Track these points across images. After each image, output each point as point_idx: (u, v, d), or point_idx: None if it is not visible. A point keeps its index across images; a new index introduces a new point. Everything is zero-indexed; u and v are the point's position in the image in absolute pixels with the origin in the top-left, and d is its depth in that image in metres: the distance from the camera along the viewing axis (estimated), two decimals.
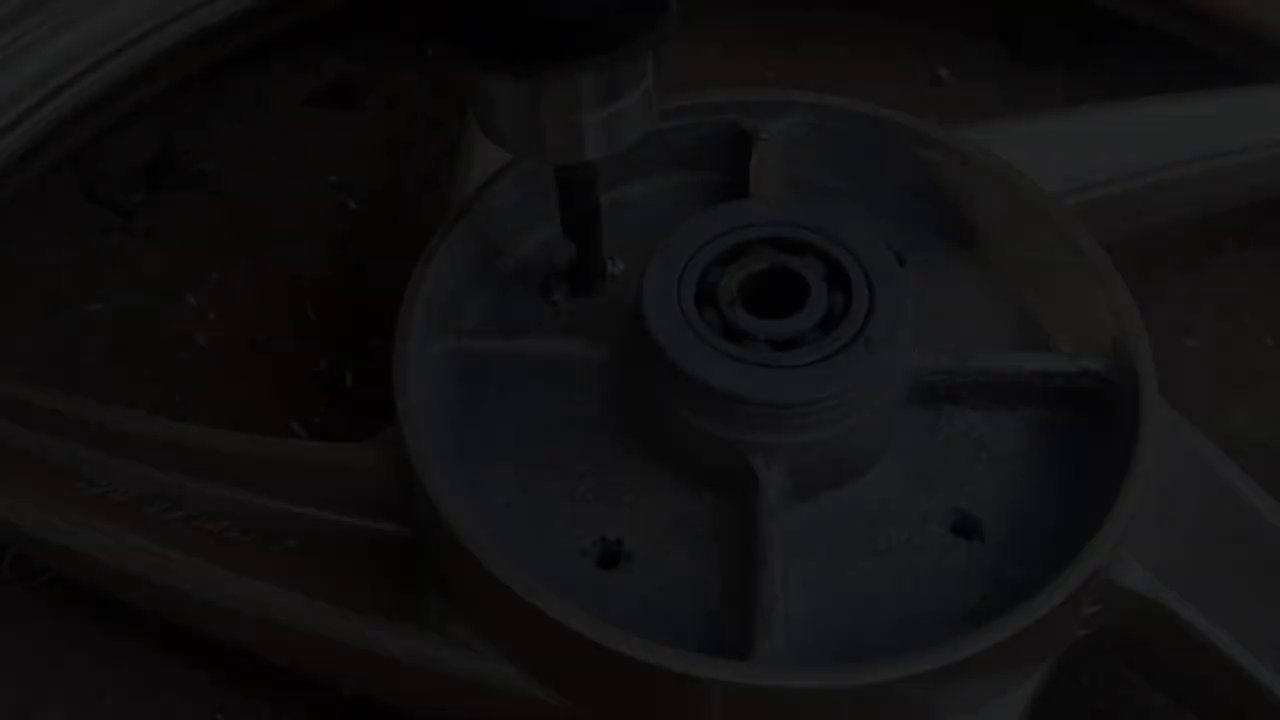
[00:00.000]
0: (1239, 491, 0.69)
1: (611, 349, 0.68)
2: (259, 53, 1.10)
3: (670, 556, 0.65)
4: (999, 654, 0.59)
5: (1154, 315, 0.96)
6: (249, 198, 1.02)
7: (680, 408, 0.64)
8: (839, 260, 0.67)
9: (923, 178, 0.78)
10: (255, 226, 1.00)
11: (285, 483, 0.70)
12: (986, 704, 0.63)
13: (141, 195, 1.03)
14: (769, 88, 0.82)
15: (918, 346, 0.69)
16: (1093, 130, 0.90)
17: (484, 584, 0.60)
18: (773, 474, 0.63)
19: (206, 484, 0.72)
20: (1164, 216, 0.95)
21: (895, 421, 0.68)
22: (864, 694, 0.59)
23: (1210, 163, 0.89)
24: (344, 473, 0.70)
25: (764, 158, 0.77)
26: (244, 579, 0.67)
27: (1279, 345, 0.96)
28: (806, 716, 0.61)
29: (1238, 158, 0.90)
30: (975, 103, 1.10)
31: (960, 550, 0.65)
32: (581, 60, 0.57)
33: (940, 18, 1.16)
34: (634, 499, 0.67)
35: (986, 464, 0.69)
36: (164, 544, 0.68)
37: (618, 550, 0.65)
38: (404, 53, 1.13)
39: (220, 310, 0.95)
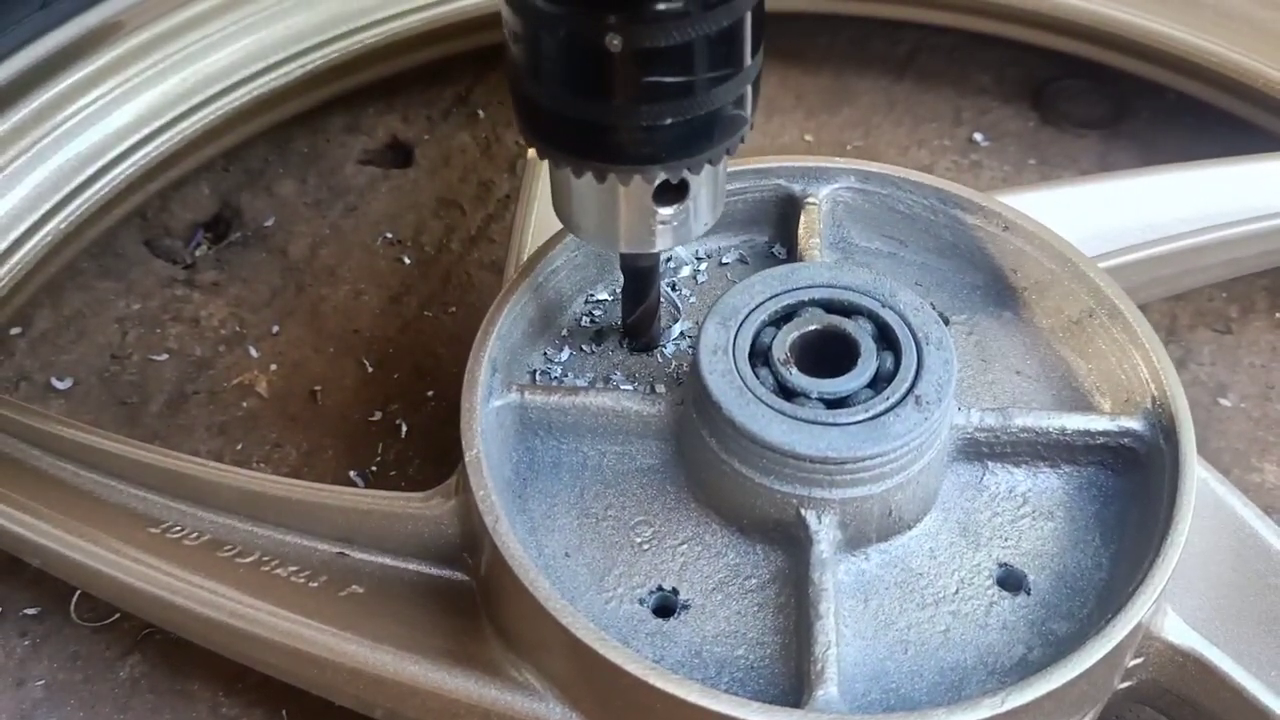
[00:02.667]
0: (1270, 545, 0.72)
1: (668, 404, 0.71)
2: (317, 113, 1.14)
3: (724, 606, 0.67)
4: (1045, 706, 0.61)
5: (1188, 374, 0.99)
6: (307, 253, 1.06)
7: (736, 462, 0.67)
8: (888, 322, 0.69)
9: (965, 241, 0.81)
10: (313, 281, 1.04)
11: (353, 531, 0.73)
12: None
13: (204, 250, 1.06)
14: (812, 155, 0.85)
15: (963, 405, 0.71)
16: (1125, 195, 0.93)
17: (547, 629, 0.62)
18: (824, 527, 0.66)
19: (277, 531, 0.74)
20: (1195, 279, 0.97)
21: (942, 477, 0.71)
22: None
23: (1240, 228, 0.91)
24: (409, 521, 0.72)
25: (811, 221, 0.80)
26: (312, 623, 0.70)
27: None
28: None
29: (1267, 222, 0.92)
30: (1009, 166, 1.13)
31: (1005, 604, 0.68)
32: (664, 164, 0.61)
33: (974, 83, 1.20)
34: (689, 549, 0.69)
35: (1030, 519, 0.71)
36: (235, 588, 0.71)
37: (674, 599, 0.67)
38: (455, 115, 1.17)
39: (281, 361, 0.98)
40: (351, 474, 0.92)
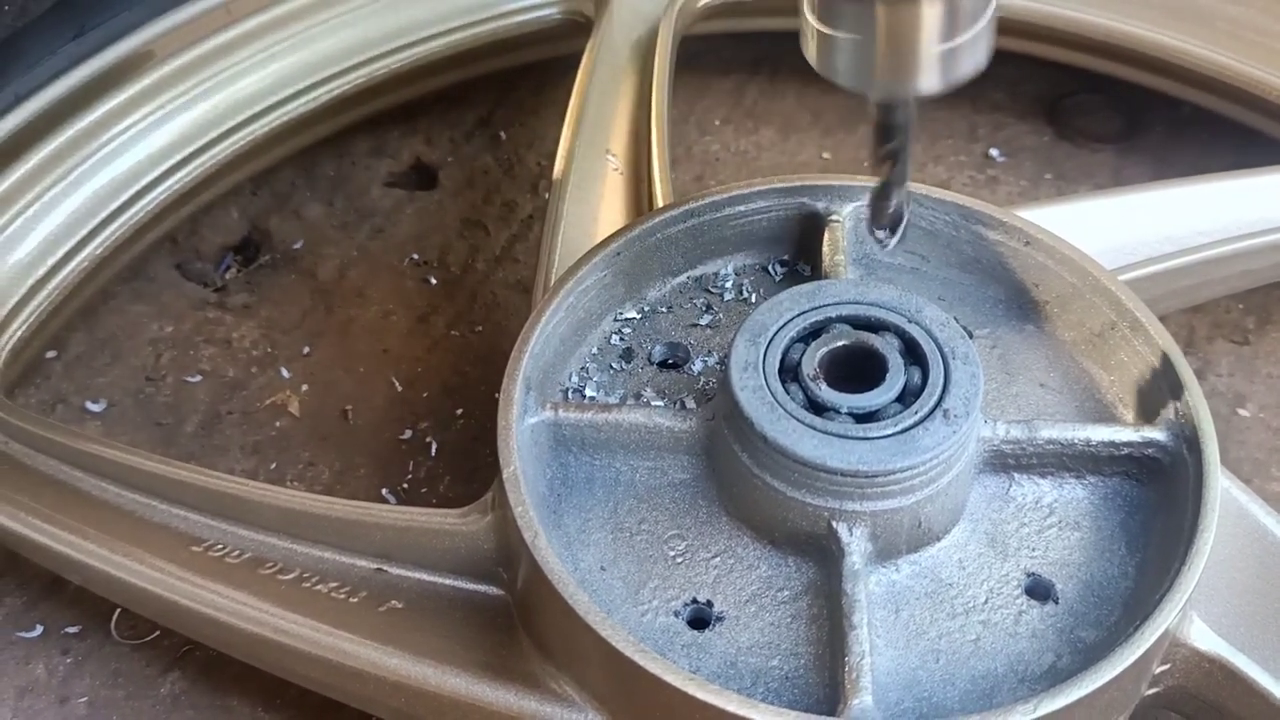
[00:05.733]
0: None
1: (699, 420, 0.72)
2: (342, 137, 1.16)
3: (758, 618, 0.68)
4: (1075, 712, 0.62)
5: (1206, 385, 1.00)
6: (336, 274, 1.07)
7: (768, 476, 0.68)
8: (914, 337, 0.71)
9: (987, 256, 0.82)
10: (342, 302, 1.05)
11: (391, 547, 0.74)
12: None
13: (234, 272, 1.08)
14: (835, 174, 0.87)
15: (989, 418, 0.73)
16: (1140, 209, 0.94)
17: (586, 642, 0.64)
18: (855, 539, 0.67)
19: (316, 548, 0.76)
20: (1213, 290, 0.98)
21: (970, 489, 0.72)
22: None
23: (1255, 239, 0.92)
24: (446, 538, 0.74)
25: (835, 239, 0.82)
26: (353, 637, 0.71)
27: None
28: None
29: (1263, 238, 0.93)
30: (1025, 181, 1.15)
31: (1034, 612, 0.69)
32: None
33: (989, 99, 1.21)
34: (722, 562, 0.71)
35: (1057, 530, 0.72)
36: (277, 604, 0.72)
37: (709, 612, 0.69)
38: (477, 137, 1.19)
39: (312, 381, 1.00)
40: (384, 492, 0.93)
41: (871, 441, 0.67)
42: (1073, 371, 0.79)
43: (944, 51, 0.59)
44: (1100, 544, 0.72)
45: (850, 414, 0.68)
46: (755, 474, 0.69)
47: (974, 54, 0.61)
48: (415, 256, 1.09)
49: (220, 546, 0.76)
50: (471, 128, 1.21)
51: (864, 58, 0.60)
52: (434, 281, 1.08)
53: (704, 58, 1.23)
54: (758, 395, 0.68)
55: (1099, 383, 0.78)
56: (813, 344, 0.71)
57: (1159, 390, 0.74)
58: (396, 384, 1.00)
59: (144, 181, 1.02)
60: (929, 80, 0.60)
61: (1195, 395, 0.72)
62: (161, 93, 1.04)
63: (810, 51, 0.62)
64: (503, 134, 1.20)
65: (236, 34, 1.06)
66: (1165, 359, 0.74)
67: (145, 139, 1.02)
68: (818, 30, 0.61)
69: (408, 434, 0.97)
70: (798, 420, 0.68)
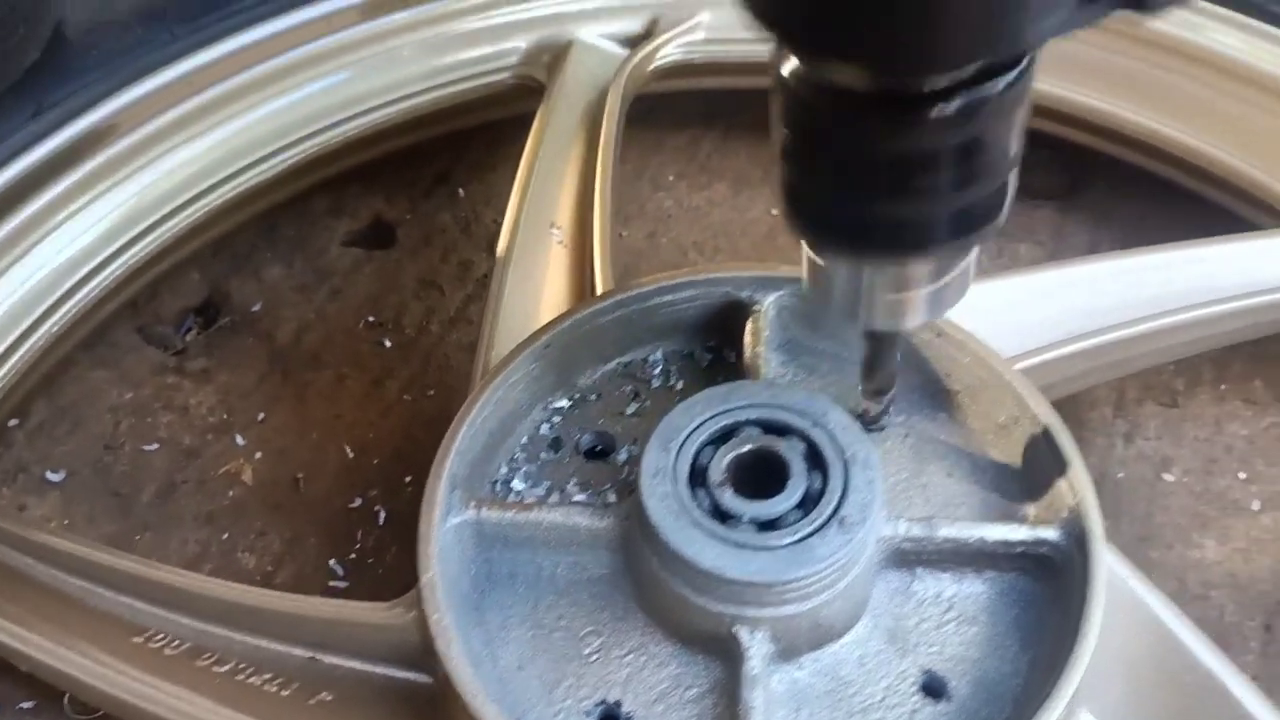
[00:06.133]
0: (1185, 644, 0.76)
1: (616, 518, 0.76)
2: (302, 197, 1.19)
3: (665, 717, 0.72)
4: None
5: (1134, 449, 1.03)
6: (293, 338, 1.11)
7: (674, 580, 0.71)
8: (818, 442, 0.74)
9: (904, 345, 0.85)
10: (299, 366, 1.09)
11: (325, 638, 0.78)
12: None
13: (194, 334, 1.12)
14: (762, 263, 0.90)
15: (896, 514, 0.76)
16: (1067, 285, 0.96)
17: None
18: (756, 642, 0.71)
19: (253, 637, 0.80)
20: (1147, 361, 1.01)
21: (872, 585, 0.75)
22: None
23: (1185, 314, 0.95)
24: (375, 630, 0.77)
25: (758, 329, 0.85)
26: None
27: (1252, 479, 1.02)
28: None
29: (1213, 308, 0.96)
30: None
31: (927, 710, 0.72)
32: (923, 252, 0.62)
33: None
34: (634, 659, 0.74)
35: (955, 625, 0.76)
36: (210, 697, 0.76)
37: (618, 712, 0.72)
38: (436, 194, 1.22)
39: (266, 449, 1.04)
40: (331, 563, 0.97)
41: (770, 551, 0.70)
42: (981, 462, 0.82)
43: (931, 293, 0.65)
44: (995, 639, 0.75)
45: (752, 521, 0.72)
46: (663, 577, 0.72)
47: (960, 288, 0.66)
48: (371, 318, 1.13)
49: (161, 637, 0.79)
50: (430, 184, 1.23)
51: (854, 302, 0.65)
52: (389, 344, 1.11)
53: (659, 113, 1.26)
54: (665, 503, 0.72)
55: (1005, 475, 0.82)
56: (722, 448, 0.74)
57: (1055, 487, 0.77)
58: (348, 450, 1.04)
59: (105, 254, 1.05)
60: (916, 320, 0.66)
61: (1086, 494, 0.75)
62: (122, 166, 1.06)
63: (804, 279, 0.67)
64: (461, 190, 1.23)
65: (195, 105, 1.09)
66: (1060, 457, 0.77)
67: (106, 213, 1.05)
68: (810, 260, 0.66)
69: (357, 502, 1.00)
70: (701, 529, 0.71)
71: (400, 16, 1.12)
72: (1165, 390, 1.07)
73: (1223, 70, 1.06)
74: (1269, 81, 1.04)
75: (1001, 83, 0.55)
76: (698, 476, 0.74)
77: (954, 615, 0.76)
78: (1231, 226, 1.08)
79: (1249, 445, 1.04)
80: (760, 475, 0.74)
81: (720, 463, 0.74)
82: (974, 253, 0.66)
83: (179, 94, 1.08)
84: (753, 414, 0.76)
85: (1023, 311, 0.94)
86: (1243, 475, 1.02)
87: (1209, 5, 1.06)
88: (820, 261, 0.66)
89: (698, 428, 0.75)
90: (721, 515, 0.72)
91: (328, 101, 1.13)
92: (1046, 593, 0.76)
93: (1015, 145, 0.59)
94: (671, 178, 1.25)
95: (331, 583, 0.96)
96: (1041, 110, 1.14)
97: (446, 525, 0.75)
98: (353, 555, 0.97)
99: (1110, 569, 0.77)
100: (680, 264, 1.17)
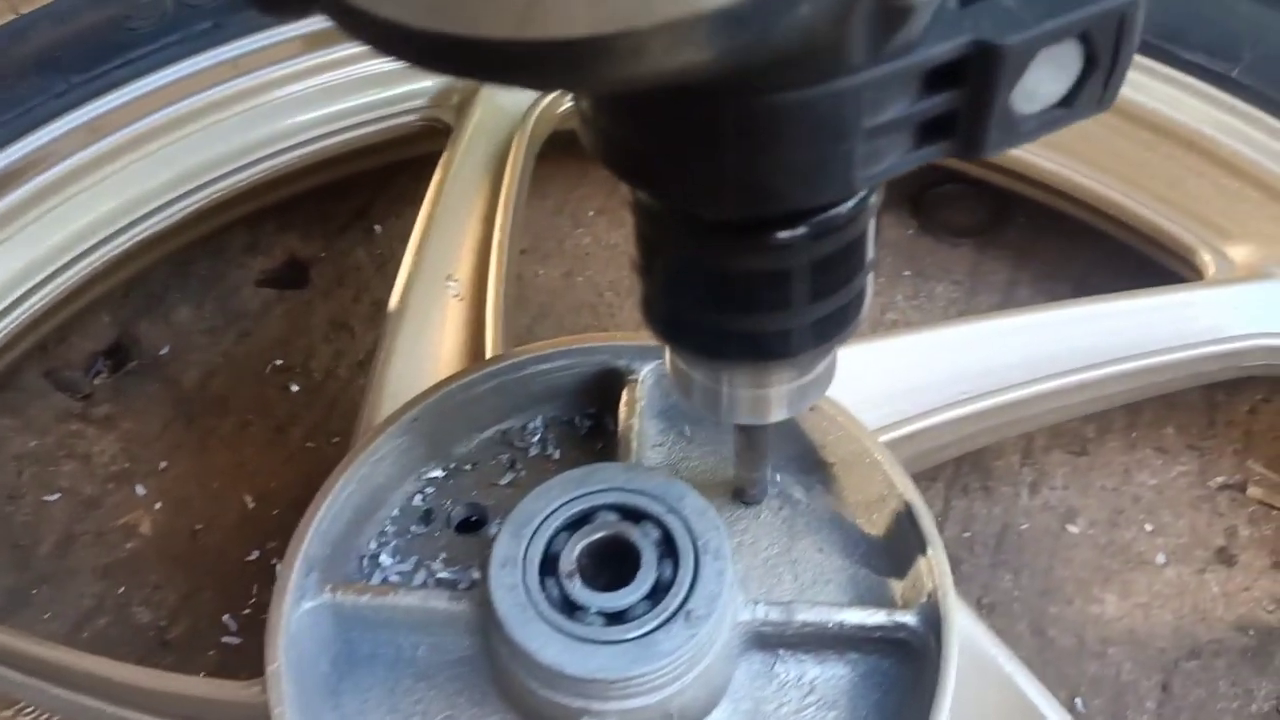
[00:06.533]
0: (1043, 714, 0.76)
1: (471, 602, 0.75)
2: (218, 233, 1.19)
3: None
4: None
5: (1040, 499, 1.02)
6: (200, 384, 1.11)
7: (521, 673, 0.71)
8: (670, 529, 0.73)
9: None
10: (203, 412, 1.09)
11: (197, 711, 0.78)
12: None
13: (104, 378, 1.11)
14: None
15: (756, 596, 0.75)
16: (974, 341, 0.95)
17: None
18: None
19: (124, 709, 0.80)
20: (1033, 425, 1.00)
21: (730, 671, 0.75)
22: None
23: (1082, 374, 0.94)
24: (240, 708, 0.77)
25: (633, 399, 0.84)
26: None
27: (1158, 531, 1.01)
28: None
29: (1115, 367, 0.94)
30: (883, 279, 1.16)
31: None
32: (781, 360, 0.61)
33: None
34: None
35: (815, 709, 0.75)
36: None
37: None
38: (352, 231, 1.22)
39: (166, 499, 1.04)
40: (226, 618, 0.97)
41: (615, 645, 0.70)
42: (853, 537, 0.82)
43: (794, 389, 0.64)
44: None
45: (600, 613, 0.71)
46: (512, 669, 0.72)
47: (825, 380, 0.66)
48: (279, 361, 1.12)
49: (31, 710, 0.80)
50: (347, 220, 1.23)
51: (715, 399, 0.65)
52: (295, 389, 1.10)
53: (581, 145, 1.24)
54: (512, 594, 0.71)
55: (874, 551, 0.81)
56: (575, 535, 0.74)
57: (917, 570, 0.77)
58: (249, 500, 1.04)
59: (11, 298, 1.05)
60: (779, 415, 0.65)
61: (944, 580, 0.74)
62: (29, 209, 1.06)
63: (671, 379, 0.67)
64: (378, 227, 1.23)
65: (104, 149, 1.09)
66: (924, 541, 0.76)
67: (11, 256, 1.04)
68: (675, 365, 0.66)
69: (255, 554, 1.01)
70: (546, 622, 0.70)
71: (308, 60, 1.11)
72: (1075, 438, 1.06)
73: (1136, 120, 1.04)
74: (1182, 131, 1.03)
75: (850, 204, 0.54)
76: (549, 564, 0.73)
77: (814, 699, 0.75)
78: (1146, 267, 1.07)
79: (1157, 495, 1.03)
80: (613, 563, 0.73)
81: (572, 551, 0.73)
82: (834, 353, 0.65)
83: (86, 139, 1.07)
84: (610, 499, 0.75)
85: (916, 373, 0.93)
86: (1149, 527, 1.01)
87: None
88: (680, 363, 0.65)
89: (553, 513, 0.75)
90: (570, 606, 0.71)
91: (236, 145, 1.12)
92: (908, 676, 0.75)
93: (870, 252, 0.58)
94: (592, 213, 1.24)
95: (224, 639, 0.97)
96: None
97: (300, 610, 0.75)
98: (247, 610, 0.98)
99: (978, 647, 0.77)
100: (595, 305, 1.17)
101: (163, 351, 1.13)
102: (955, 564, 0.97)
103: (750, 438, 0.76)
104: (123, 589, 0.99)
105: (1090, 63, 0.47)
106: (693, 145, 0.47)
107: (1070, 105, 0.48)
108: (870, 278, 0.60)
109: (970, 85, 0.47)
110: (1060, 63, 0.48)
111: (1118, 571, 0.99)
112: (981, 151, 0.49)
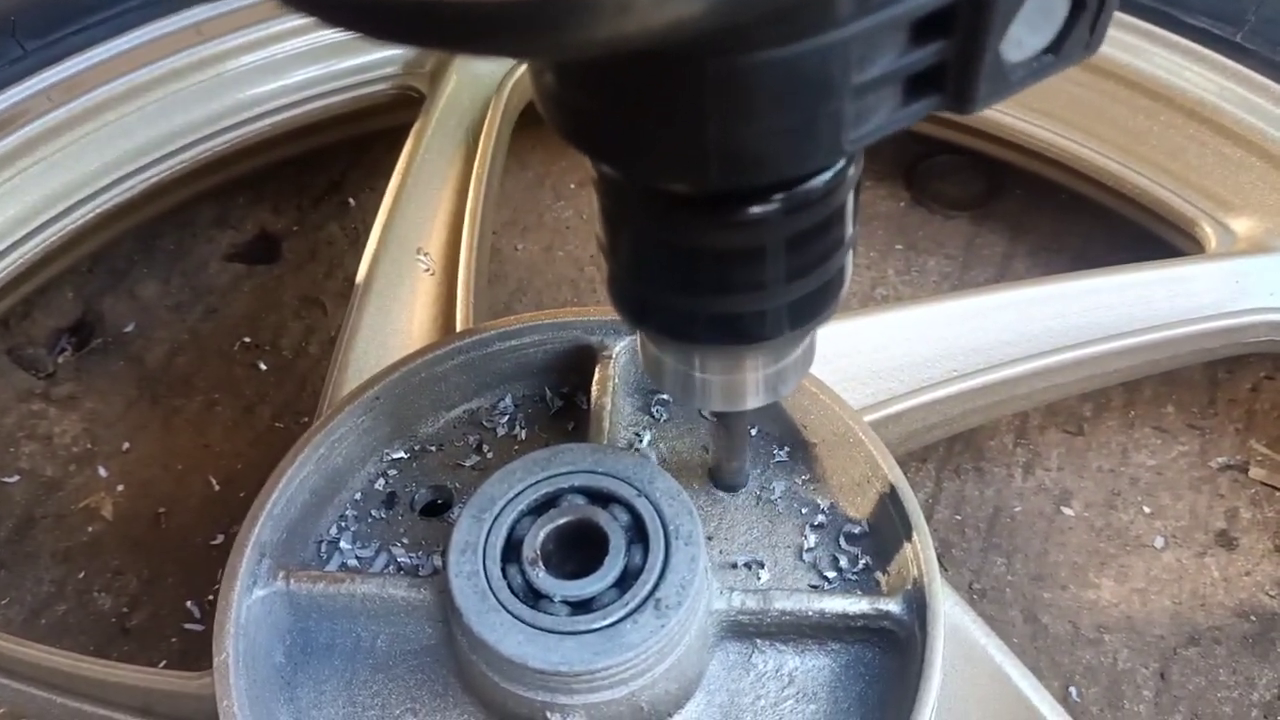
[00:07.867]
0: (1039, 711, 0.72)
1: (433, 590, 0.72)
2: (187, 205, 1.15)
3: None
4: None
5: (1034, 480, 0.99)
6: (165, 362, 1.07)
7: (482, 665, 0.67)
8: (641, 513, 0.70)
9: None
10: (168, 391, 1.05)
11: (149, 703, 0.75)
12: None
13: (67, 355, 1.08)
14: None
15: (730, 585, 0.72)
16: (969, 316, 0.91)
17: None
18: None
19: (76, 700, 0.77)
20: (1026, 404, 0.96)
21: (704, 663, 0.71)
22: None
23: (1079, 351, 0.90)
24: (192, 699, 0.74)
25: (605, 376, 0.80)
26: None
27: (1156, 514, 0.97)
28: None
29: (1116, 343, 0.91)
30: (875, 253, 1.12)
31: None
32: (755, 343, 0.58)
33: None
34: None
35: (794, 702, 0.72)
36: None
37: None
38: (326, 203, 1.18)
39: (129, 481, 1.00)
40: (189, 604, 0.94)
41: (578, 636, 0.66)
42: (837, 521, 0.78)
43: (770, 374, 0.61)
44: (837, 713, 0.71)
45: (565, 602, 0.67)
46: (472, 660, 0.68)
47: (804, 364, 0.63)
48: (247, 339, 1.09)
49: None
50: (321, 192, 1.19)
51: (687, 385, 0.62)
52: (264, 367, 1.07)
53: None
54: (471, 582, 0.68)
55: (859, 535, 0.77)
56: (540, 519, 0.70)
57: (903, 556, 0.73)
58: (214, 483, 1.00)
59: None
60: (755, 401, 0.62)
61: (930, 568, 0.71)
62: None
63: (643, 362, 0.64)
64: (352, 200, 1.19)
65: (62, 117, 1.05)
66: (909, 526, 0.73)
67: None
68: (646, 348, 0.62)
69: (219, 539, 0.97)
70: (508, 611, 0.67)
71: (275, 25, 1.07)
72: (1071, 417, 1.02)
73: (1133, 85, 1.00)
74: (1182, 98, 0.98)
75: (827, 175, 0.50)
76: (512, 551, 0.69)
77: (794, 691, 0.72)
78: (1146, 240, 1.03)
79: (1156, 477, 0.99)
80: (580, 548, 0.70)
81: (536, 536, 0.69)
82: (811, 338, 0.62)
83: (47, 105, 1.03)
84: (577, 481, 0.71)
85: (904, 350, 0.89)
86: (1147, 509, 0.98)
87: (1125, 18, 1.00)
88: (651, 345, 0.62)
89: (516, 496, 0.71)
90: (533, 595, 0.68)
91: (194, 115, 1.08)
92: (892, 666, 0.72)
93: (850, 228, 0.55)
94: (573, 185, 1.20)
95: (187, 625, 0.93)
96: (954, 125, 1.09)
97: (252, 598, 0.71)
98: (211, 596, 0.94)
99: (967, 635, 0.73)
100: (576, 280, 1.13)
101: (128, 328, 1.09)
102: (945, 548, 0.93)
103: (727, 425, 0.72)
104: (83, 574, 0.95)
105: (1078, 4, 0.43)
106: (672, 114, 0.44)
107: (1058, 51, 0.45)
108: (850, 256, 0.57)
109: (960, 33, 0.44)
110: (1048, 6, 0.44)
111: (1114, 555, 0.95)
112: (972, 104, 0.46)
